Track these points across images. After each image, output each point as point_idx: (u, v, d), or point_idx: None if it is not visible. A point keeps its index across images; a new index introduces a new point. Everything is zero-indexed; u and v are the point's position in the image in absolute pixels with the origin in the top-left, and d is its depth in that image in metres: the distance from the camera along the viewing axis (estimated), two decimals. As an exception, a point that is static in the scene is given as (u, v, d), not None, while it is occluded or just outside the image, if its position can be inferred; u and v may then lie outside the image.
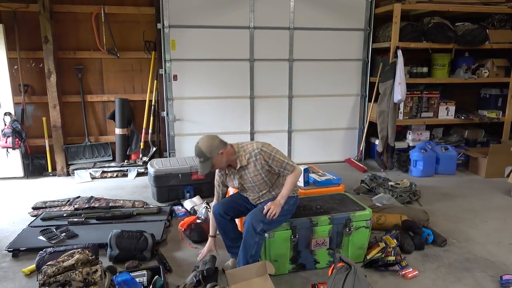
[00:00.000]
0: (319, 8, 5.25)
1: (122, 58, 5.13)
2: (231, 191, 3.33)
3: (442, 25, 5.07)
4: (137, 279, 2.44)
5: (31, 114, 5.08)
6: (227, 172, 2.66)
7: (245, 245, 2.48)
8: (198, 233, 3.19)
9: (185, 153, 5.19)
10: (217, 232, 2.78)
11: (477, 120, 5.46)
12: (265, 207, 2.47)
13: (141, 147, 5.25)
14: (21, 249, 3.00)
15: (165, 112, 5.15)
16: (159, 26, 4.87)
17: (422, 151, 5.04)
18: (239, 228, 2.87)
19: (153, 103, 5.24)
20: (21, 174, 4.91)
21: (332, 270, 2.44)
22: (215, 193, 2.77)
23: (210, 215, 2.80)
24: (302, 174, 3.25)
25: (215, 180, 2.75)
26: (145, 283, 2.46)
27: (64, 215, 3.60)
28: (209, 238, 2.79)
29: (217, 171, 2.71)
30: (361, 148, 5.64)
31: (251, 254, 2.47)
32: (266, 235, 2.58)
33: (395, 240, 2.87)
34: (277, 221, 2.53)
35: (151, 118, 5.25)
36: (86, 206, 3.83)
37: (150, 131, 5.28)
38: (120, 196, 4.27)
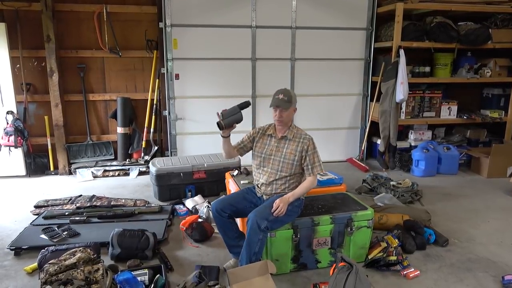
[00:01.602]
0: (321, 7, 5.24)
1: (124, 57, 5.13)
2: (233, 189, 3.33)
3: (444, 24, 5.06)
4: (139, 278, 2.44)
5: (33, 112, 5.08)
6: (268, 132, 2.83)
7: (248, 242, 2.48)
8: (200, 232, 3.19)
9: (186, 152, 5.19)
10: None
11: (479, 120, 5.45)
12: (274, 204, 2.50)
13: (143, 146, 5.25)
14: (23, 247, 3.01)
15: (167, 111, 5.15)
16: (161, 25, 4.87)
17: (424, 150, 5.03)
18: (241, 228, 2.87)
19: (155, 102, 5.24)
20: (23, 172, 4.92)
21: (334, 270, 2.44)
22: (238, 142, 2.89)
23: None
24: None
25: (248, 132, 2.90)
26: (147, 282, 2.46)
27: (66, 213, 3.61)
28: None
29: (257, 127, 2.93)
30: (363, 148, 5.63)
31: (255, 252, 2.48)
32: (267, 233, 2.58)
33: (396, 240, 2.87)
34: (281, 220, 2.56)
35: (153, 117, 5.26)
36: (88, 204, 3.84)
37: (152, 130, 5.28)
38: (122, 195, 4.28)
